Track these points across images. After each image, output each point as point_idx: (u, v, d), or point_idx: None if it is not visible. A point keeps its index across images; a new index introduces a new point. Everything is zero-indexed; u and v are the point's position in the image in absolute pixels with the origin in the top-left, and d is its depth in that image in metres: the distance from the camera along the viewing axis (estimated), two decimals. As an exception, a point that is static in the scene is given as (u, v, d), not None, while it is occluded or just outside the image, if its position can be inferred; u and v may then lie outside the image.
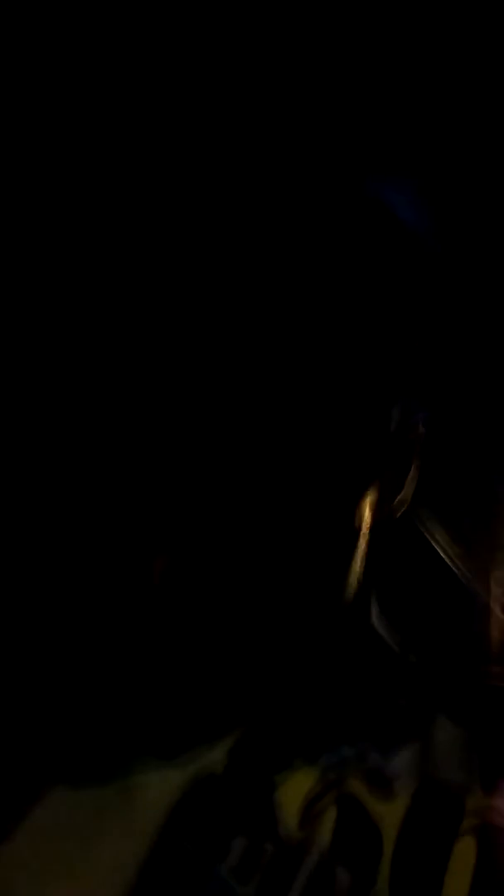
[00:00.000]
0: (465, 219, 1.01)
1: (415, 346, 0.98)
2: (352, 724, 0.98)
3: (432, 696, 1.00)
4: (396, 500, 0.98)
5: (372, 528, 0.97)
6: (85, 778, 0.95)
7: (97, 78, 1.01)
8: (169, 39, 0.98)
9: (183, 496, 0.90)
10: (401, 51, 1.04)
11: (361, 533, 0.96)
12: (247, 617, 0.92)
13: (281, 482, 0.92)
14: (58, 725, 0.97)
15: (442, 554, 1.02)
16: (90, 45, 1.01)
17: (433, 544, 1.02)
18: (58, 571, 0.92)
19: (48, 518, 0.92)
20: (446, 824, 0.93)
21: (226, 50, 0.99)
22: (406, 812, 0.93)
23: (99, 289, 0.94)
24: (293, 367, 0.91)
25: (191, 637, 0.91)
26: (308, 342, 0.92)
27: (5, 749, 0.96)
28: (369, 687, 1.00)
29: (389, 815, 0.93)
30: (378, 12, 1.03)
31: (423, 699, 0.99)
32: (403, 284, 0.96)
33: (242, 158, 0.93)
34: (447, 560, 1.03)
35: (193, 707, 0.94)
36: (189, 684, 0.93)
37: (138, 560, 0.89)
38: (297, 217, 0.93)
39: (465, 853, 0.92)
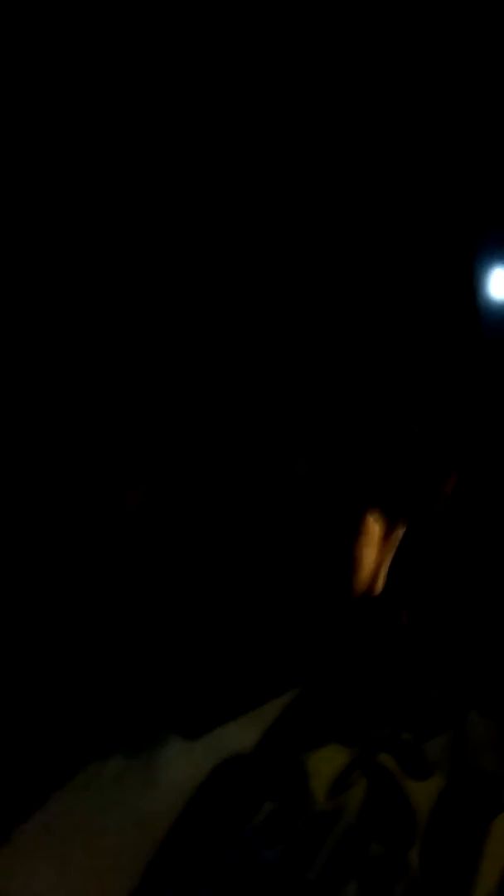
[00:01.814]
0: None
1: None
2: (385, 710, 0.95)
3: (466, 689, 0.97)
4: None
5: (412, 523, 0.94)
6: (106, 747, 0.93)
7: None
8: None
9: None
10: None
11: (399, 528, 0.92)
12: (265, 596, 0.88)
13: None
14: (69, 696, 0.95)
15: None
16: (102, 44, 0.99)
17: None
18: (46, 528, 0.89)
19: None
20: (481, 808, 0.89)
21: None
22: (440, 792, 0.90)
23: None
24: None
25: (214, 615, 0.88)
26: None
27: (24, 719, 0.95)
28: (401, 676, 0.98)
29: (422, 793, 0.89)
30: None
31: (457, 692, 0.97)
32: None
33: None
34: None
35: (220, 685, 0.92)
36: (215, 658, 0.90)
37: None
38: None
39: (501, 838, 0.89)
